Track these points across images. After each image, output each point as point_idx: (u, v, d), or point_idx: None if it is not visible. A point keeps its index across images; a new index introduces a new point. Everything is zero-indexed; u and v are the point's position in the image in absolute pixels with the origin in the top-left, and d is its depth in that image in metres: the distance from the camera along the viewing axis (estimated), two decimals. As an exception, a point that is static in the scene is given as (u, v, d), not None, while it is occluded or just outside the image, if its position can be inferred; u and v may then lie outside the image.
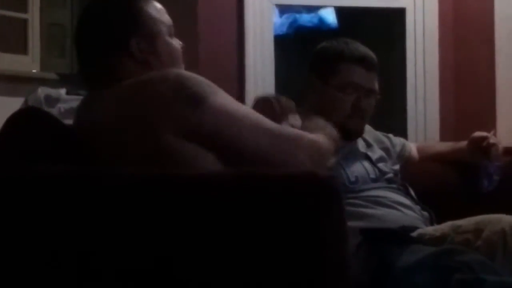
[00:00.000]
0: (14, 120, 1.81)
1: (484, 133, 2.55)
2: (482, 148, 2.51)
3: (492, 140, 2.52)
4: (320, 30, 5.24)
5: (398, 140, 2.71)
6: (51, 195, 1.58)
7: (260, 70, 3.73)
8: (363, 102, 2.43)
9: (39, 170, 1.64)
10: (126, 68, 1.83)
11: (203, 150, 1.69)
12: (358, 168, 2.39)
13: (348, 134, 2.42)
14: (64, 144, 1.80)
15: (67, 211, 1.55)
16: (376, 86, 2.47)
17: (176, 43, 1.93)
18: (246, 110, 1.79)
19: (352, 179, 2.35)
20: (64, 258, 1.55)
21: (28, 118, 1.85)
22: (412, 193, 2.45)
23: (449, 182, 2.64)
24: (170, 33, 1.91)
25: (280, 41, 4.13)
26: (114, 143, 1.74)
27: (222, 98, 1.74)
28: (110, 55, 1.85)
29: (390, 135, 2.70)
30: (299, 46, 4.79)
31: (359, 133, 2.50)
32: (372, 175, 2.40)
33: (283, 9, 5.05)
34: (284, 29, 5.13)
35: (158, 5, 1.92)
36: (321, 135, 1.87)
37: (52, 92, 3.29)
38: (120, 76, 1.81)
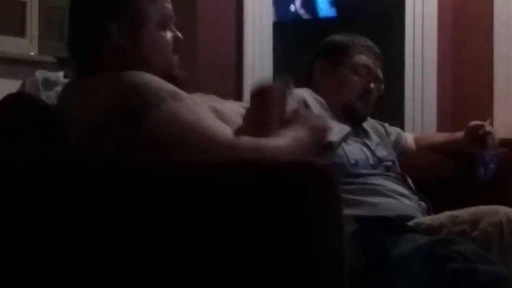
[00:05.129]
0: (1, 106, 1.82)
1: (480, 122, 2.56)
2: (478, 137, 2.52)
3: (488, 129, 2.53)
4: (319, 18, 5.24)
5: (393, 129, 2.72)
6: (35, 178, 1.59)
7: (258, 57, 3.73)
8: (372, 86, 2.50)
9: (22, 153, 1.66)
10: (102, 51, 1.79)
11: None
12: (358, 152, 2.40)
13: (354, 116, 2.49)
14: (49, 130, 1.79)
15: (49, 194, 1.57)
16: (382, 76, 2.55)
17: (168, 35, 1.86)
18: (191, 117, 1.67)
19: (352, 161, 2.35)
20: (51, 243, 1.56)
21: (16, 104, 1.85)
22: (410, 182, 2.46)
23: (447, 172, 2.65)
24: (163, 25, 1.84)
25: (279, 29, 4.12)
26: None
27: (166, 108, 1.65)
28: (91, 35, 1.81)
29: (386, 124, 2.72)
30: (297, 34, 4.80)
31: (364, 117, 2.55)
32: (371, 161, 2.41)
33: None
34: (282, 17, 5.12)
35: None
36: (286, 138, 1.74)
37: (50, 75, 3.26)
38: (96, 61, 1.79)
